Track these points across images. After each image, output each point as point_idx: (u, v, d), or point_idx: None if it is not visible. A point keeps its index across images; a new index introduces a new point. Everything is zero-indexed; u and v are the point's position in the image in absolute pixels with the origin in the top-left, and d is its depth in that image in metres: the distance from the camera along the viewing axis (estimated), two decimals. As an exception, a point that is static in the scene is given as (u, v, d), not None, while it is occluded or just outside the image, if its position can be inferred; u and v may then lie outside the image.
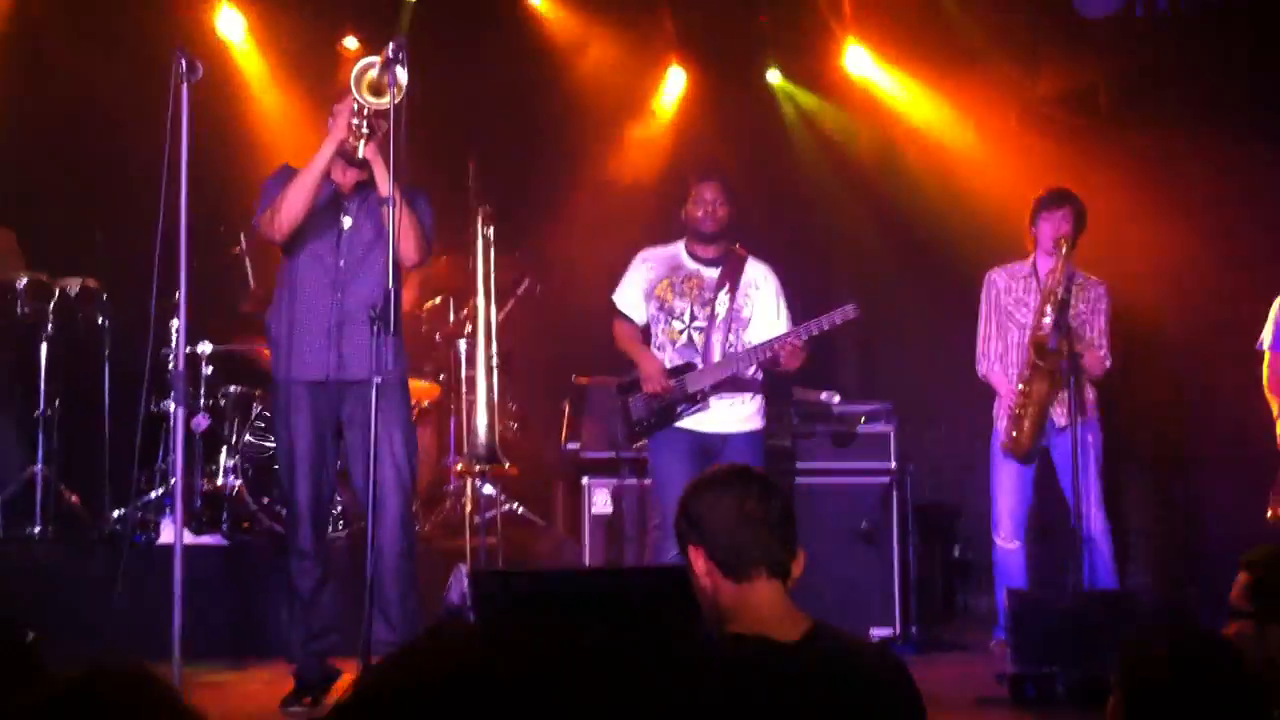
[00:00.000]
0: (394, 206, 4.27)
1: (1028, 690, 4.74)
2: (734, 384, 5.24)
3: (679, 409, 5.22)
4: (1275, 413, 5.58)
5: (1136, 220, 6.69)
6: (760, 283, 5.34)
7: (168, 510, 5.82)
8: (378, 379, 4.20)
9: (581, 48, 7.68)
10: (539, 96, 7.74)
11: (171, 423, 4.47)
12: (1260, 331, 5.66)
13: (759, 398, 5.34)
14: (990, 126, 7.33)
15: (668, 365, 5.23)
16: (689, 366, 5.22)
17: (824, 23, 7.70)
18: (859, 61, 7.65)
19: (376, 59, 4.37)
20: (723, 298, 5.27)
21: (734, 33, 7.82)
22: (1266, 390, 5.60)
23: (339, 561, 4.83)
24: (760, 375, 5.33)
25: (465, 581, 3.39)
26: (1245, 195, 6.44)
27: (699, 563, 2.50)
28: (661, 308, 5.31)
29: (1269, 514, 5.37)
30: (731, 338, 5.24)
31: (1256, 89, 6.42)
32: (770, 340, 5.18)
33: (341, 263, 4.61)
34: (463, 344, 6.35)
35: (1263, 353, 5.63)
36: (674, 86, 7.89)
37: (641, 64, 7.83)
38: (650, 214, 6.60)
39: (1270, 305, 5.66)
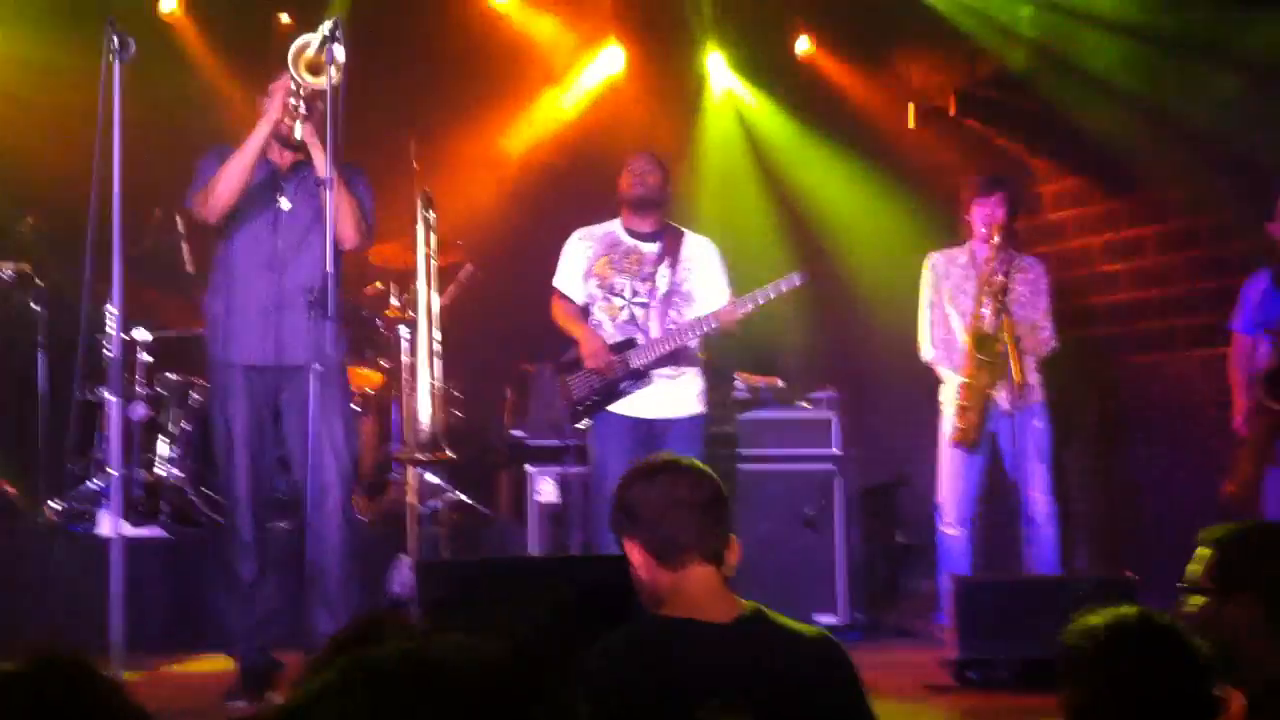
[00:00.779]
0: (331, 188, 4.21)
1: (972, 675, 4.76)
2: (676, 358, 5.22)
3: (621, 386, 5.19)
4: (1234, 392, 5.62)
5: (1075, 200, 6.72)
6: (701, 256, 5.32)
7: (104, 501, 5.71)
8: (317, 365, 4.15)
9: (520, 23, 7.59)
10: (479, 75, 7.66)
11: (108, 411, 4.38)
12: (1203, 311, 5.72)
13: (699, 382, 5.32)
14: (934, 105, 7.33)
15: (606, 344, 5.21)
16: (630, 343, 5.20)
17: (768, 5, 7.70)
18: (802, 46, 7.66)
19: (313, 37, 4.30)
20: (663, 271, 5.25)
21: (674, 11, 7.78)
22: (1229, 369, 5.64)
23: (280, 551, 4.75)
24: (696, 353, 5.31)
25: (408, 571, 3.34)
26: (1179, 176, 6.49)
27: (635, 554, 2.52)
28: (601, 285, 5.27)
29: (1226, 489, 5.41)
30: (673, 313, 5.22)
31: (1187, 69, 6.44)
32: (714, 311, 5.16)
33: (279, 245, 4.54)
34: (404, 330, 6.28)
35: (1231, 332, 5.67)
36: (612, 64, 7.83)
37: (580, 40, 7.77)
38: (594, 196, 6.55)
39: (1212, 285, 5.72)
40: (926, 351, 5.86)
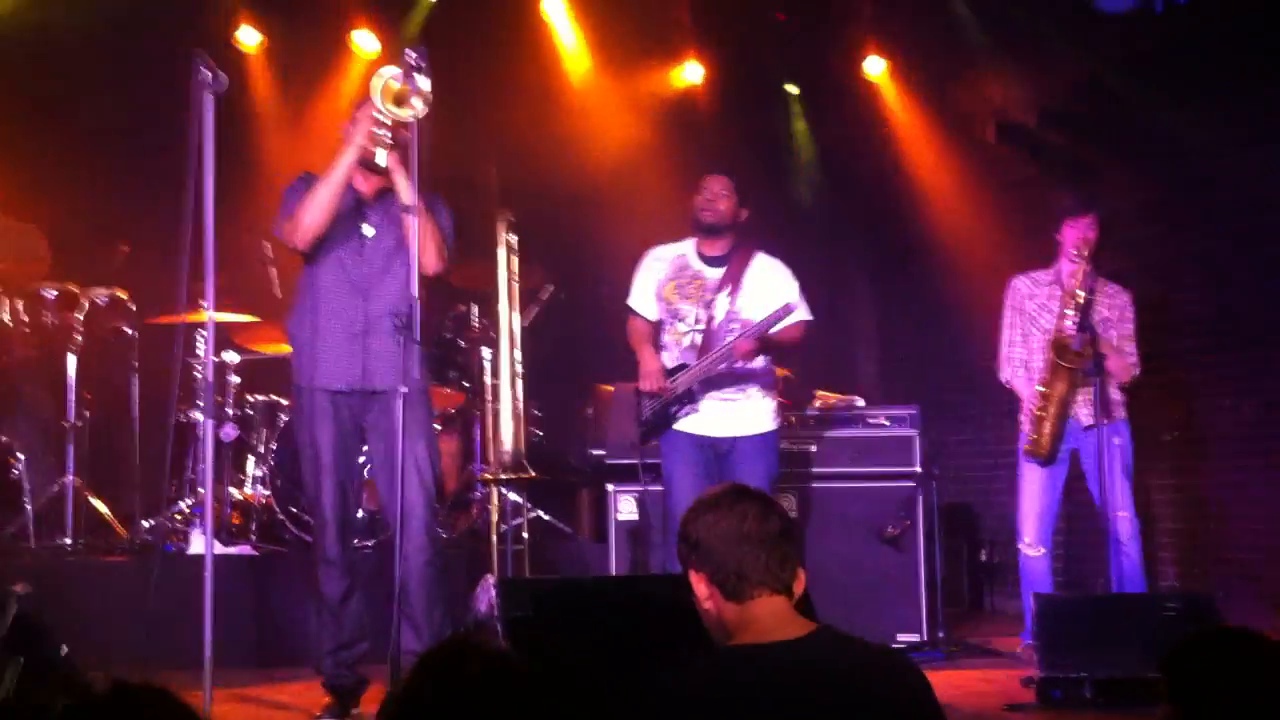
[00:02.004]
0: (415, 215, 4.29)
1: (1055, 694, 4.72)
2: (730, 381, 5.22)
3: (673, 409, 5.22)
4: None
5: (1150, 215, 6.66)
6: (765, 280, 5.29)
7: (196, 520, 5.85)
8: (403, 389, 4.22)
9: (599, 46, 7.65)
10: (558, 99, 7.74)
11: (200, 432, 4.49)
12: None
13: (769, 399, 5.32)
14: (1013, 120, 7.30)
15: (669, 366, 5.24)
16: (683, 367, 5.23)
17: (840, 25, 7.71)
18: (875, 67, 7.66)
19: (397, 68, 4.37)
20: (722, 300, 5.24)
21: (752, 31, 7.80)
22: None
23: (366, 570, 4.84)
24: (768, 371, 5.31)
25: (492, 590, 3.39)
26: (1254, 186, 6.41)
27: (700, 587, 2.51)
28: (668, 309, 5.31)
29: None
30: (731, 339, 5.19)
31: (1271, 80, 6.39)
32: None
33: (364, 271, 4.62)
34: (486, 351, 6.36)
35: None
36: (691, 80, 7.86)
37: (657, 61, 7.81)
38: (670, 215, 6.60)
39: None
40: (1004, 371, 5.87)
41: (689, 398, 5.20)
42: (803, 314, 5.26)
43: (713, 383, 5.20)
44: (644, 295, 5.37)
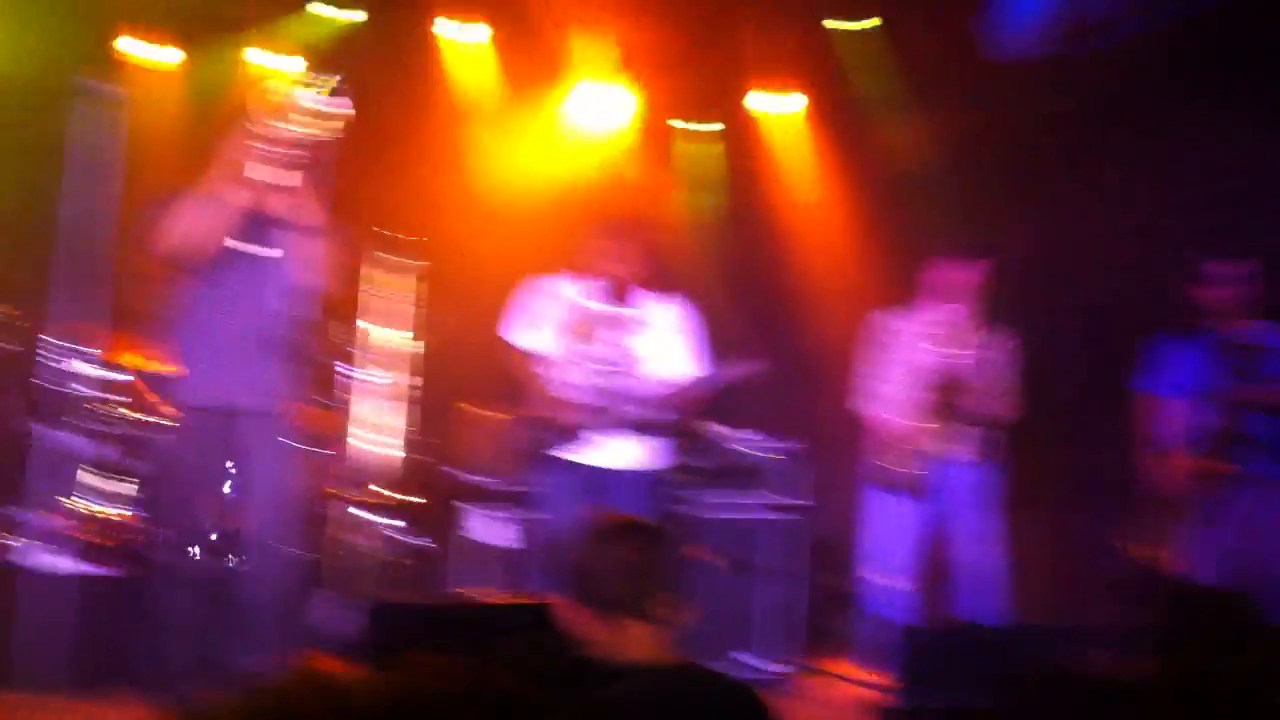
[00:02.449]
0: (304, 234, 4.24)
1: (909, 723, 4.79)
2: (636, 427, 5.21)
3: (570, 443, 5.18)
4: (1151, 452, 5.72)
5: (1032, 268, 6.83)
6: (670, 323, 5.30)
7: (44, 537, 5.66)
8: (268, 408, 4.16)
9: (508, 75, 7.64)
10: (469, 122, 7.70)
11: (43, 445, 4.37)
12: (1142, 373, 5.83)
13: (660, 438, 5.32)
14: (887, 169, 7.44)
15: (562, 402, 5.18)
16: (589, 407, 5.16)
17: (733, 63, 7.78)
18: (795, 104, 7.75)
19: (316, 88, 4.31)
20: (629, 339, 5.21)
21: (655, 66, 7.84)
22: (1145, 429, 5.75)
23: (220, 590, 4.73)
24: (663, 418, 5.30)
25: (347, 611, 3.34)
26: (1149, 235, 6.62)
27: (573, 612, 2.57)
28: (566, 346, 5.22)
29: (1143, 549, 5.50)
30: (633, 382, 5.18)
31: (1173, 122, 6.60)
32: (668, 394, 5.16)
33: (240, 288, 4.54)
34: (354, 370, 6.30)
35: (1148, 394, 5.78)
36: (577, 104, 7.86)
37: (572, 77, 7.81)
38: (549, 235, 6.58)
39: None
40: (868, 404, 5.93)
41: (589, 438, 5.15)
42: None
43: (616, 434, 5.16)
44: (533, 330, 5.27)
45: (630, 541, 2.60)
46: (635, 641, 2.54)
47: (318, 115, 4.25)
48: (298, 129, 4.25)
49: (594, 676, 2.54)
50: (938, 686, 4.79)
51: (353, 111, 4.20)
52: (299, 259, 4.27)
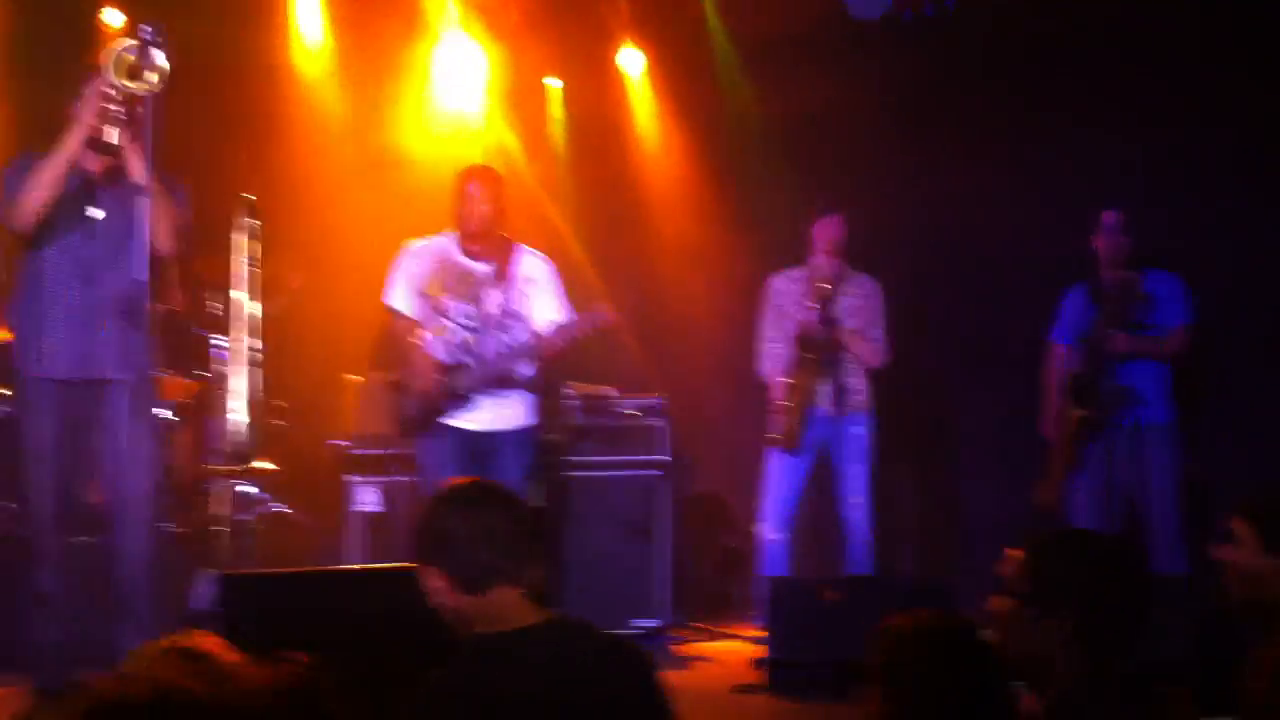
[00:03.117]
0: (147, 196, 4.13)
1: (782, 676, 4.88)
2: (505, 382, 5.22)
3: (447, 407, 5.17)
4: (1046, 399, 5.88)
5: (894, 219, 6.92)
6: (535, 275, 5.29)
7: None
8: (127, 377, 4.07)
9: (352, 33, 7.48)
10: (312, 83, 7.53)
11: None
12: (1023, 327, 5.99)
13: (531, 393, 5.33)
14: (764, 131, 7.47)
15: (438, 363, 5.17)
16: (459, 366, 5.17)
17: (600, 21, 7.74)
18: (636, 64, 7.72)
19: (132, 41, 4.20)
20: (494, 294, 5.21)
21: (512, 23, 7.75)
22: (1044, 377, 5.91)
23: (87, 567, 4.62)
24: (532, 373, 5.32)
25: (212, 586, 3.30)
26: (1004, 195, 6.75)
27: (437, 581, 2.52)
28: (430, 305, 5.21)
29: (1036, 494, 5.65)
30: (504, 336, 5.18)
31: (1012, 91, 6.72)
32: (531, 344, 5.15)
33: (91, 254, 4.42)
34: (222, 339, 6.18)
35: (1050, 344, 5.95)
36: (464, 74, 7.76)
37: (420, 43, 7.69)
38: (427, 205, 6.51)
39: (1030, 304, 6.00)
40: (764, 366, 6.02)
41: (467, 398, 5.14)
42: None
43: (485, 390, 5.15)
44: (403, 292, 5.26)
45: (493, 506, 2.58)
46: (505, 607, 2.52)
47: (137, 69, 4.12)
48: (141, 87, 4.12)
49: (465, 645, 2.53)
50: (809, 639, 4.88)
51: (168, 65, 4.07)
52: (138, 221, 4.14)
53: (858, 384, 5.90)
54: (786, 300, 5.99)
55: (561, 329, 5.10)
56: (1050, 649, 2.48)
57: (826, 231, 5.89)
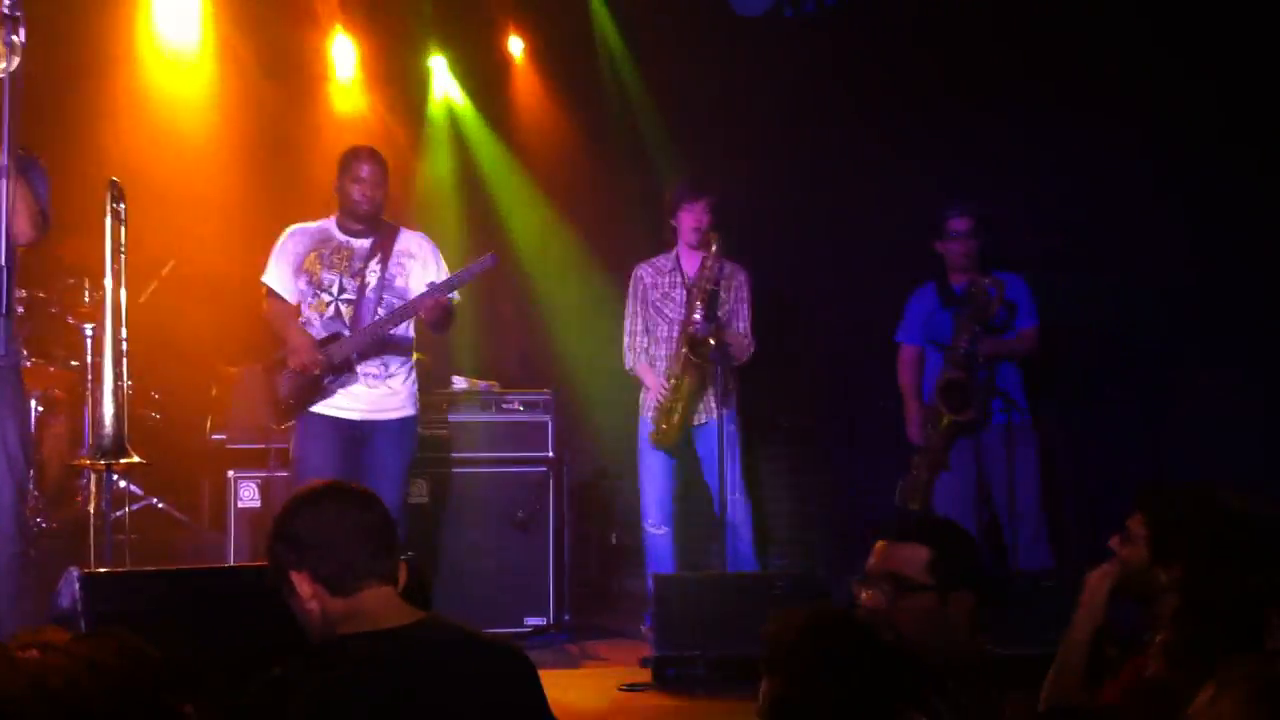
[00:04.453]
0: (3, 178, 3.95)
1: (669, 673, 4.86)
2: (382, 350, 5.14)
3: (326, 381, 5.10)
4: (905, 401, 5.93)
5: (777, 212, 6.94)
6: (415, 251, 5.26)
7: None
8: (-15, 366, 3.90)
9: (234, 9, 7.29)
10: (187, 62, 7.33)
11: None
12: (889, 324, 6.03)
13: (411, 384, 5.25)
14: (639, 122, 7.45)
15: (314, 339, 5.10)
16: (335, 337, 5.11)
17: (486, 9, 7.67)
18: (517, 50, 7.66)
19: None
20: (373, 267, 5.17)
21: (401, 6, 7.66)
22: (900, 379, 5.95)
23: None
24: (410, 336, 5.24)
25: (76, 584, 3.17)
26: (885, 193, 6.80)
27: (304, 586, 2.43)
28: (310, 281, 5.17)
29: (897, 497, 5.70)
30: (382, 310, 5.13)
31: (892, 88, 6.78)
32: (412, 299, 5.09)
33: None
34: (89, 328, 5.99)
35: (898, 344, 5.99)
36: (341, 57, 7.62)
37: (307, 32, 7.54)
38: (309, 191, 6.39)
39: (898, 300, 6.04)
40: (628, 359, 5.97)
41: (346, 367, 5.06)
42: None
43: (362, 358, 5.09)
44: (281, 274, 5.23)
45: (352, 503, 2.50)
46: (377, 605, 2.44)
47: (13, 48, 3.94)
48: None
49: (331, 646, 2.44)
50: (693, 635, 4.87)
51: (23, 40, 3.90)
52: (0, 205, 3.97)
53: (730, 379, 5.85)
54: (655, 293, 5.92)
55: (444, 282, 5.05)
56: (959, 632, 2.58)
57: (694, 218, 5.80)
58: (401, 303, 5.13)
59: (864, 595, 2.63)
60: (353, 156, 5.24)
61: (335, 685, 2.33)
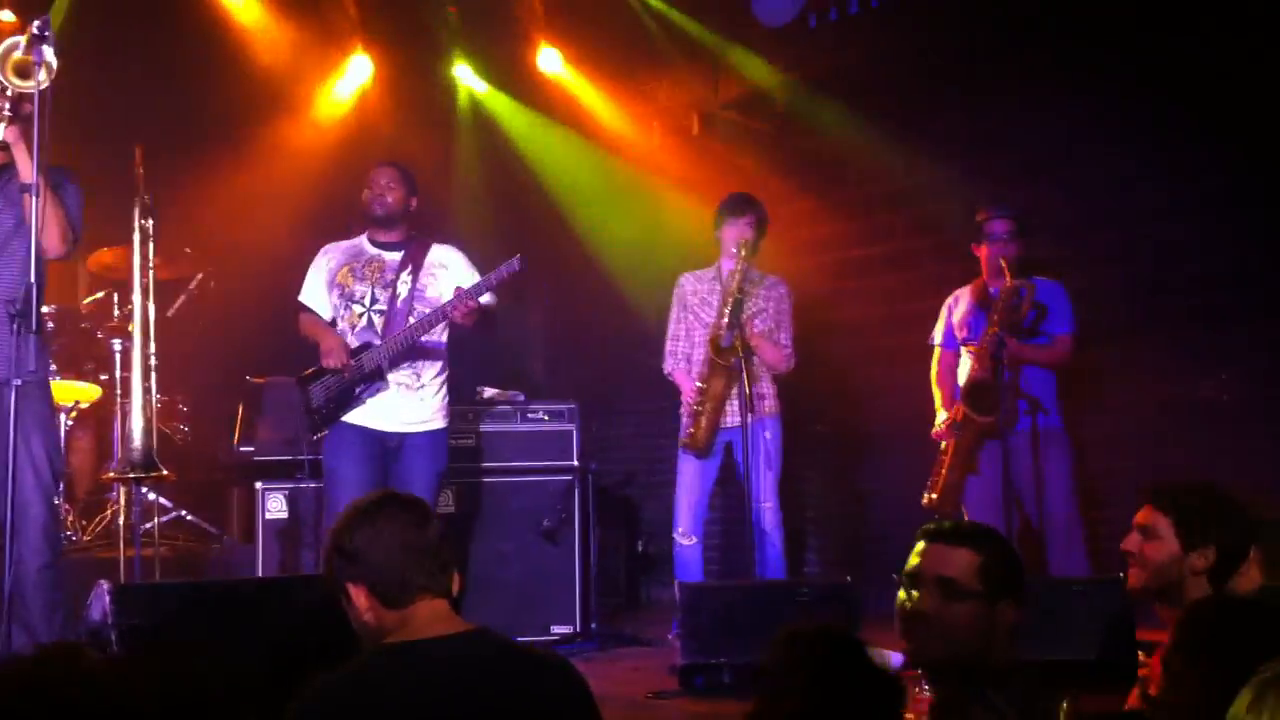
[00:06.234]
0: (36, 194, 4.00)
1: (697, 681, 4.84)
2: (414, 357, 5.17)
3: (359, 389, 5.13)
4: (937, 404, 5.90)
5: (808, 221, 6.94)
6: (447, 262, 5.30)
7: None
8: (17, 381, 3.94)
9: (260, 33, 7.37)
10: (216, 84, 7.41)
11: None
12: (925, 328, 6.00)
13: (442, 396, 5.28)
14: (675, 132, 7.47)
15: (348, 345, 5.15)
16: (367, 346, 5.15)
17: (516, 20, 7.71)
18: (550, 62, 7.69)
19: (20, 38, 4.09)
20: (404, 278, 5.22)
21: (421, 23, 7.71)
22: (933, 382, 5.93)
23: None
24: (443, 343, 5.27)
25: (107, 598, 3.19)
26: (905, 198, 6.78)
27: (361, 598, 2.47)
28: (342, 294, 5.23)
29: (924, 499, 5.66)
30: (413, 319, 5.16)
31: (913, 96, 6.77)
32: (441, 305, 5.13)
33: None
34: (118, 342, 6.03)
35: (933, 347, 5.96)
36: (357, 75, 7.70)
37: (324, 51, 7.61)
38: (333, 208, 6.44)
39: (935, 304, 6.01)
40: (667, 364, 6.03)
41: (377, 375, 5.10)
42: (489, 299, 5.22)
43: (394, 365, 5.12)
44: (316, 290, 5.30)
45: (408, 519, 2.52)
46: (429, 616, 2.47)
47: (27, 66, 4.00)
48: (29, 83, 4.00)
49: (370, 653, 2.46)
50: (721, 643, 4.85)
51: (55, 61, 3.95)
52: (27, 221, 4.02)
53: (766, 388, 5.90)
54: (694, 299, 5.98)
55: (473, 286, 5.07)
56: (1001, 640, 2.55)
57: (736, 231, 5.87)
58: (430, 307, 5.16)
59: (913, 595, 2.60)
60: (374, 167, 5.37)
61: (357, 691, 2.35)
